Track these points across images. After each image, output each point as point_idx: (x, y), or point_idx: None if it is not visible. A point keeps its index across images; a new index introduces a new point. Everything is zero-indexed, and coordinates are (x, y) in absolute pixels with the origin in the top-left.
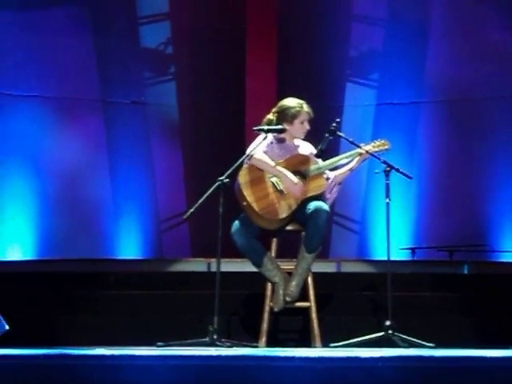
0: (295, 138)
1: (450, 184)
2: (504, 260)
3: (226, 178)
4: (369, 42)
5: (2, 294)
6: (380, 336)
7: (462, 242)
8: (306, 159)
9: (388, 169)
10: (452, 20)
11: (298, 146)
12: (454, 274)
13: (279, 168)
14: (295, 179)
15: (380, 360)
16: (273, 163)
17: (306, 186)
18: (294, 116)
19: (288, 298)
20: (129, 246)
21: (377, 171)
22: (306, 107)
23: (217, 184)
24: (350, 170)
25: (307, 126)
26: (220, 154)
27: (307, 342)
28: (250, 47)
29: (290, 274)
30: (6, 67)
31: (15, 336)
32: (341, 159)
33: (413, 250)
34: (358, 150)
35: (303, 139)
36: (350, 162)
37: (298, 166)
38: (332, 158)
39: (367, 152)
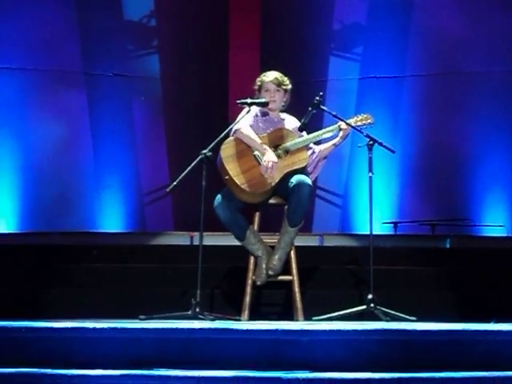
0: (276, 109)
1: (433, 158)
2: (485, 234)
3: (209, 151)
4: (352, 16)
5: None
6: (362, 309)
7: (444, 217)
8: (288, 133)
9: (371, 142)
10: None
11: (283, 120)
12: (436, 248)
13: (263, 146)
14: (274, 158)
15: (362, 333)
16: (258, 140)
17: (288, 159)
18: (260, 87)
19: (271, 272)
20: (111, 219)
21: (360, 145)
22: (269, 75)
23: (200, 157)
24: (334, 145)
25: (273, 93)
26: (203, 127)
27: (290, 316)
28: (233, 21)
29: (272, 247)
30: None
31: None
32: (324, 133)
33: (395, 224)
34: (341, 124)
35: (288, 113)
36: (334, 136)
37: (281, 139)
38: (315, 131)
39: (350, 126)
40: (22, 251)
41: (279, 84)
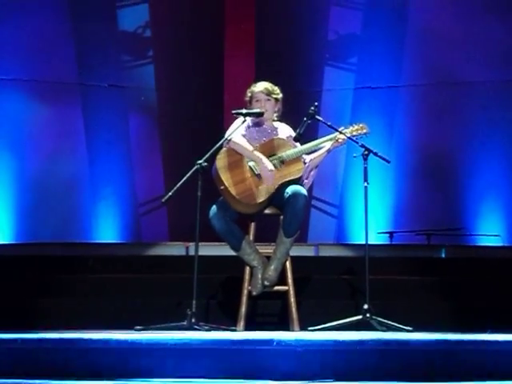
0: (269, 119)
1: (428, 168)
2: (481, 244)
3: (204, 161)
4: (347, 26)
5: None
6: (358, 319)
7: (440, 226)
8: (283, 143)
9: (366, 152)
10: (431, 4)
11: (276, 129)
12: (431, 257)
13: (257, 153)
14: (271, 166)
15: (358, 343)
16: (251, 148)
17: (284, 169)
18: (251, 98)
19: (266, 282)
20: (107, 230)
21: (355, 155)
22: (258, 86)
23: (195, 167)
24: (328, 151)
25: (264, 102)
26: (198, 137)
27: (285, 326)
28: (228, 31)
29: (268, 258)
30: None
31: None
32: (319, 143)
33: (391, 233)
34: (337, 134)
35: (282, 122)
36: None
37: (275, 149)
38: (310, 141)
39: (345, 136)
40: (17, 262)
41: (269, 93)
